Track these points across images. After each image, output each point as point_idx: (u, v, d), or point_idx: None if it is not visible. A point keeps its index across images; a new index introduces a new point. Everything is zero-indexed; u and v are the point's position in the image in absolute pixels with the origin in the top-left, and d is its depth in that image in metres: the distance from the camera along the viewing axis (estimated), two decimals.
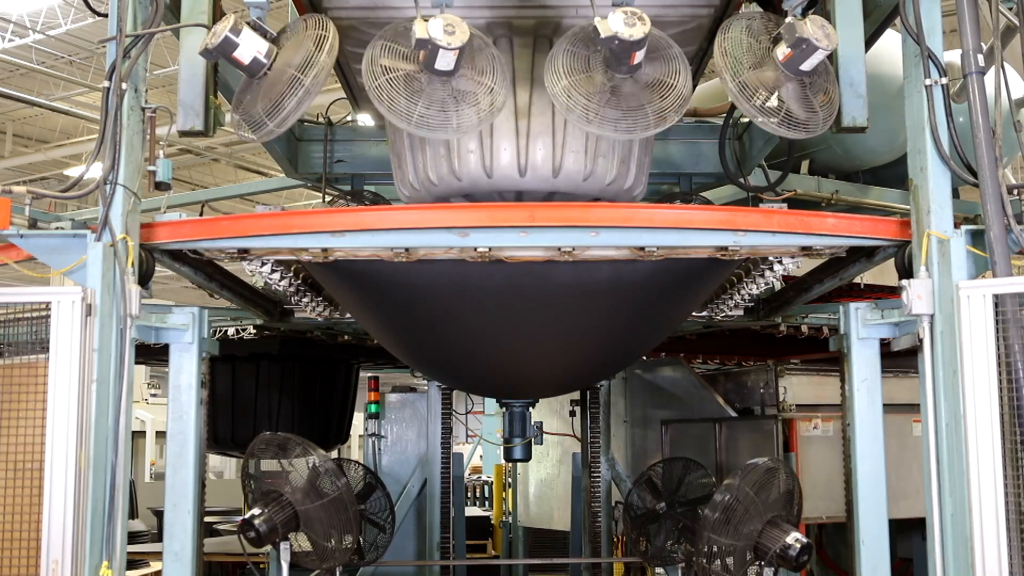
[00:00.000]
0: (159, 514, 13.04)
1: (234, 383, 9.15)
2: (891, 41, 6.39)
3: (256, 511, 6.08)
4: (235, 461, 10.86)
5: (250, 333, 8.53)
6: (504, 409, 7.34)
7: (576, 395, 9.16)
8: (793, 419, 7.81)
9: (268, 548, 6.51)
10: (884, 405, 5.07)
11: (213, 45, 4.37)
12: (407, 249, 4.75)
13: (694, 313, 6.73)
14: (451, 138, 4.52)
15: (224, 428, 9.08)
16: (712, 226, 4.77)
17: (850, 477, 5.03)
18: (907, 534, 8.42)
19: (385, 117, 4.45)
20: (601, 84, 4.43)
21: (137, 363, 4.71)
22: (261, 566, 8.96)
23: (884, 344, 5.08)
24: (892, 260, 4.93)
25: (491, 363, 5.85)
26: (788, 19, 4.48)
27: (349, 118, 6.84)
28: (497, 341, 5.55)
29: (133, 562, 10.43)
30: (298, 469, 6.29)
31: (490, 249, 4.72)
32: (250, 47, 4.39)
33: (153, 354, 6.49)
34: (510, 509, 12.13)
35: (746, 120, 5.88)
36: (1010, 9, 5.28)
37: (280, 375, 9.21)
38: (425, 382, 8.98)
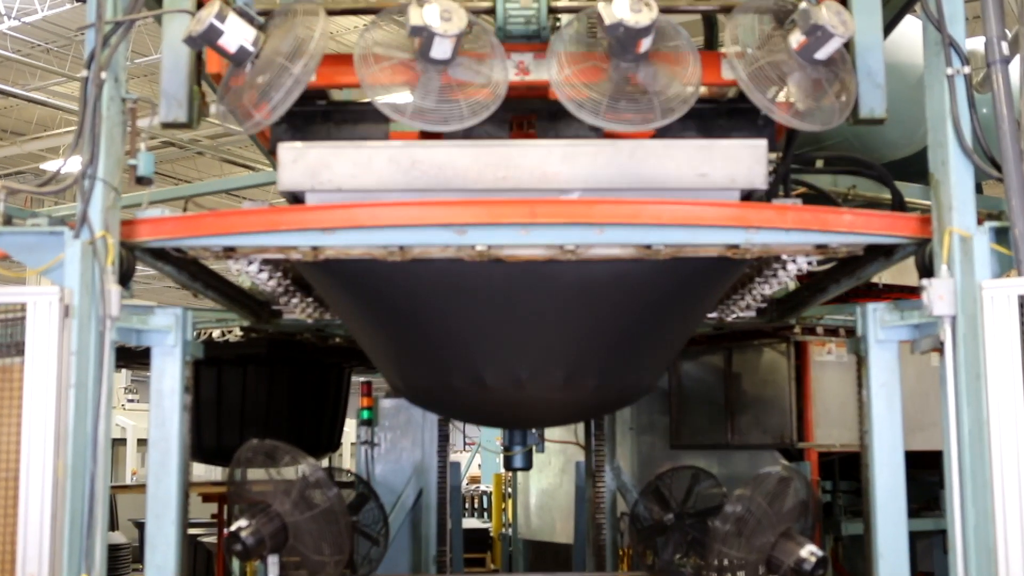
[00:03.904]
0: (140, 526, 13.04)
1: (220, 388, 9.15)
2: (911, 28, 6.41)
3: (243, 523, 6.08)
4: (221, 471, 10.91)
5: (236, 335, 8.55)
6: None
7: None
8: (806, 343, 7.85)
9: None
10: None
11: (197, 32, 4.37)
12: (401, 247, 4.75)
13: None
14: (447, 130, 4.52)
15: (209, 436, 9.09)
16: (723, 223, 4.76)
17: (867, 487, 5.03)
18: (928, 545, 8.45)
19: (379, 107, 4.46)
20: (606, 74, 4.43)
21: (117, 367, 4.72)
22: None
23: None
24: (912, 259, 4.94)
25: (489, 376, 5.67)
26: (803, 5, 4.48)
27: None
28: (496, 346, 5.51)
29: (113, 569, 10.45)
30: (287, 478, 6.29)
31: (489, 247, 4.72)
32: (236, 35, 4.39)
33: (134, 357, 6.51)
34: (510, 521, 12.13)
35: None
36: None
37: (268, 380, 9.22)
38: None
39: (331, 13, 4.64)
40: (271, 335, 8.33)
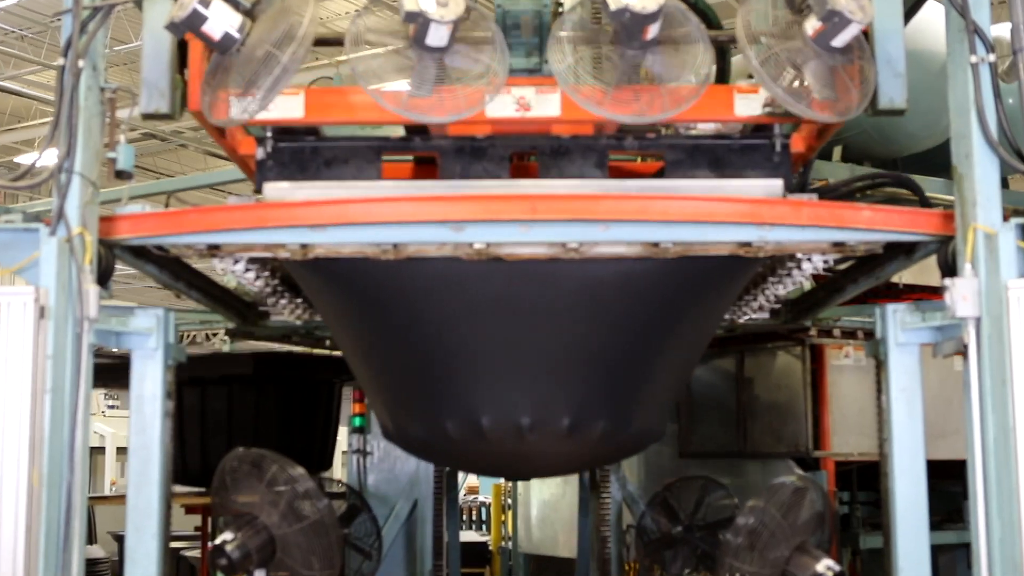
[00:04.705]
0: (120, 539, 13.06)
1: (204, 409, 9.18)
2: (933, 14, 6.40)
3: (228, 536, 6.08)
4: None
5: (222, 339, 8.59)
6: None
7: None
8: (822, 346, 7.86)
9: None
10: None
11: (180, 18, 4.37)
12: (395, 245, 4.75)
13: None
14: (443, 121, 4.53)
15: (194, 459, 9.11)
16: (734, 219, 4.77)
17: (887, 498, 5.03)
18: (950, 559, 8.45)
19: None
20: (611, 62, 4.43)
21: (94, 387, 4.71)
22: None
23: None
24: (934, 257, 4.94)
25: (487, 389, 5.56)
26: None
27: None
28: (494, 360, 5.41)
29: None
30: (275, 489, 6.29)
31: (488, 245, 4.72)
32: (221, 20, 4.39)
33: (112, 377, 6.48)
34: (510, 534, 12.14)
35: None
36: None
37: (255, 399, 9.25)
38: None
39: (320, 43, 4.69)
40: (256, 360, 8.37)
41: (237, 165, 5.61)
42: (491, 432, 5.46)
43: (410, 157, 5.57)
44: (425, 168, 5.42)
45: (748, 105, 4.81)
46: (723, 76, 5.83)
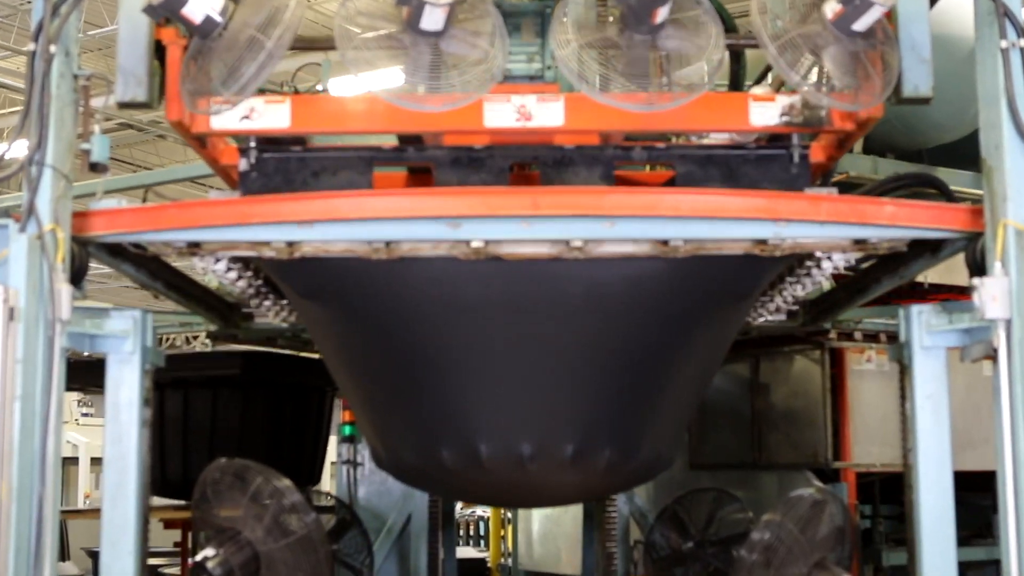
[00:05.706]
0: (94, 555, 13.07)
1: (187, 415, 9.18)
2: None
3: (209, 552, 6.09)
4: None
5: (203, 342, 8.62)
6: None
7: None
8: (842, 349, 7.87)
9: None
10: None
11: (158, 0, 4.37)
12: (388, 243, 4.74)
13: None
14: (440, 110, 4.52)
15: (175, 469, 9.10)
16: (749, 214, 4.77)
17: (912, 512, 5.03)
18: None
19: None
20: (618, 47, 4.43)
21: (68, 389, 4.70)
22: None
23: None
24: (961, 255, 4.94)
25: (485, 412, 5.50)
26: None
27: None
28: (491, 376, 5.39)
29: None
30: (259, 502, 6.29)
31: (486, 243, 4.71)
32: (201, 3, 4.39)
33: (90, 379, 6.49)
34: (509, 550, 12.13)
35: None
36: None
37: (241, 406, 9.24)
38: None
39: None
40: (244, 360, 8.36)
41: (220, 176, 5.59)
42: (490, 461, 5.43)
43: (403, 168, 5.56)
44: (419, 180, 5.40)
45: (764, 114, 4.81)
46: (737, 83, 5.81)
